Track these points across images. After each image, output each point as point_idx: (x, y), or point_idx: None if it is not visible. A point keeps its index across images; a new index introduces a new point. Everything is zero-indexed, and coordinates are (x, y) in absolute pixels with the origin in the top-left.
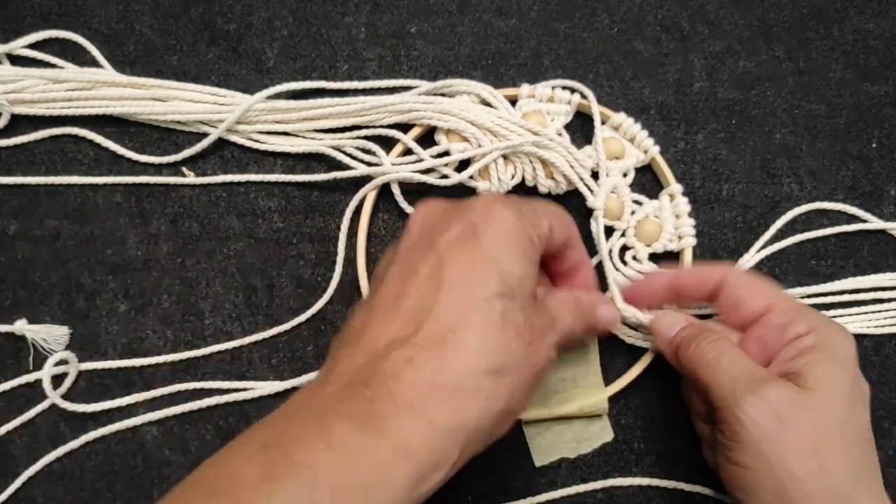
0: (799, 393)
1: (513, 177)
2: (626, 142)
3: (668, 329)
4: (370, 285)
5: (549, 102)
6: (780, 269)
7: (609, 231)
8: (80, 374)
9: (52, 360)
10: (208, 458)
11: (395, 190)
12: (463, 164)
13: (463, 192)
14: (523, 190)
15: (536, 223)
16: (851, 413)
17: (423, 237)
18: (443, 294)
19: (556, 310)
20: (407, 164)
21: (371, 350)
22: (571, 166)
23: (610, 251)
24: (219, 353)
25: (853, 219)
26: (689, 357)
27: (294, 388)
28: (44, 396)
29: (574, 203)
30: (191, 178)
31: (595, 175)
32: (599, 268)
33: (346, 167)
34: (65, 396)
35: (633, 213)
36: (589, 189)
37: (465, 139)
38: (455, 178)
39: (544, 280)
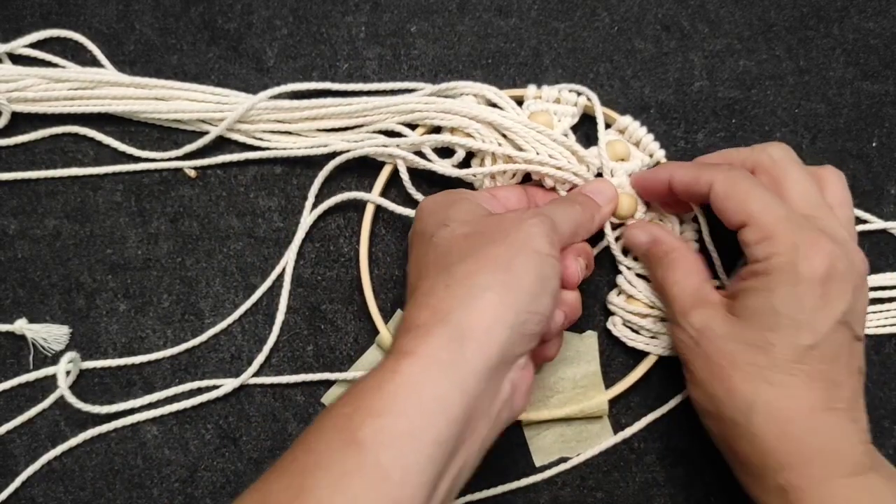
0: (716, 319)
1: (514, 175)
2: (631, 144)
3: (639, 247)
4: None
5: (555, 103)
6: None
7: (617, 227)
8: (81, 373)
9: (66, 357)
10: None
11: (404, 174)
12: (465, 160)
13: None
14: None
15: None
16: (770, 341)
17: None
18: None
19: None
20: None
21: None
22: (576, 172)
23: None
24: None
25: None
26: (652, 277)
27: (294, 384)
28: (44, 396)
29: None
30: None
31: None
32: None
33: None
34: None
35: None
36: None
37: (470, 135)
38: (456, 172)
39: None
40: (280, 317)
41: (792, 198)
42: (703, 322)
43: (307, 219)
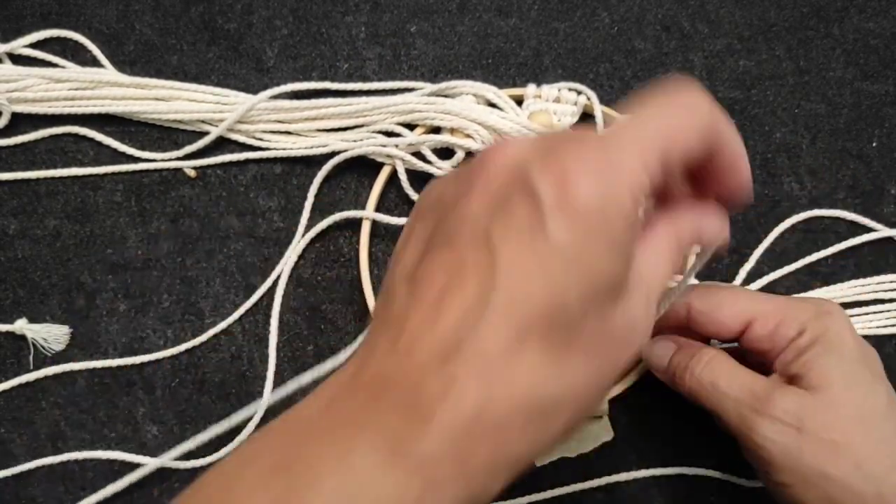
0: (806, 396)
1: None
2: None
3: (661, 359)
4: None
5: (555, 103)
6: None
7: None
8: (81, 373)
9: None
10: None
11: (402, 176)
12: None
13: None
14: None
15: (634, 174)
16: (865, 397)
17: (480, 214)
18: (490, 308)
19: (649, 280)
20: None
21: (411, 354)
22: None
23: None
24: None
25: (856, 225)
26: (688, 387)
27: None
28: (44, 396)
29: None
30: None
31: None
32: None
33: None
34: (66, 396)
35: None
36: None
37: (469, 136)
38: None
39: None
40: (274, 321)
41: None
42: (790, 405)
43: (306, 222)
